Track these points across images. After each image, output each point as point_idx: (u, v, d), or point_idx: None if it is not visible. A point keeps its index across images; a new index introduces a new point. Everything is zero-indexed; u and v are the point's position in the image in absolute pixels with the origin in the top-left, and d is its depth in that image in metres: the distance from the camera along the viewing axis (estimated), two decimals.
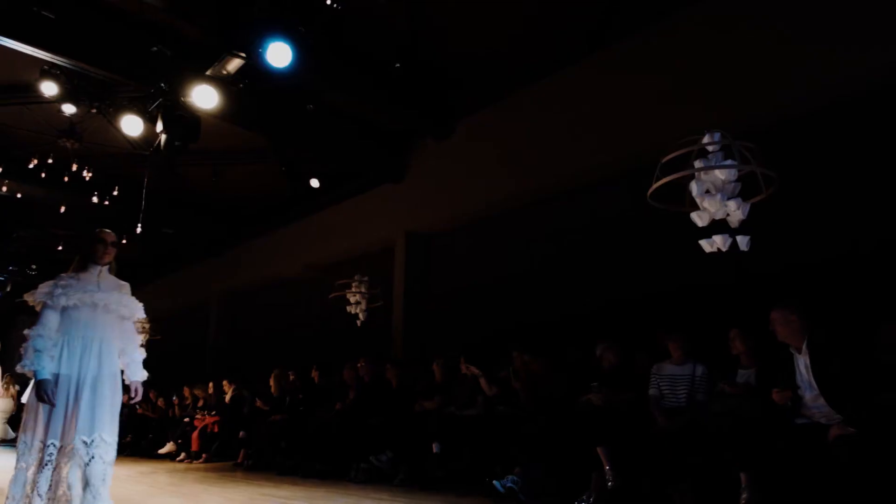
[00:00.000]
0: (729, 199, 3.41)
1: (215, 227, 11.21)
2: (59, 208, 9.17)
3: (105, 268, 3.29)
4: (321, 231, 9.63)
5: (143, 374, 3.35)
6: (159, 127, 6.17)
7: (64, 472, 2.90)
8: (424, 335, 7.85)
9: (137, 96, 6.48)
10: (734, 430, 3.56)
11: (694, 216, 3.55)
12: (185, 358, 12.15)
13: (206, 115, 6.29)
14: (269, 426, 7.36)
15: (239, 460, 7.64)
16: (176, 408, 10.06)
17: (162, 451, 9.01)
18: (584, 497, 4.10)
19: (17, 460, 2.96)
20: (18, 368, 2.99)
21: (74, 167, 7.67)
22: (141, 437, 10.00)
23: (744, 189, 3.53)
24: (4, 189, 8.66)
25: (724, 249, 3.49)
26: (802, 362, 3.64)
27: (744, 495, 3.41)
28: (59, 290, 3.05)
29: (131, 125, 6.54)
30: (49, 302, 3.05)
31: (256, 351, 10.63)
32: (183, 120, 6.17)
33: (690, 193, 3.55)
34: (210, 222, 11.08)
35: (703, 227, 3.58)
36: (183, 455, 8.58)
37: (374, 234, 8.66)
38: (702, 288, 5.10)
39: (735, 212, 3.40)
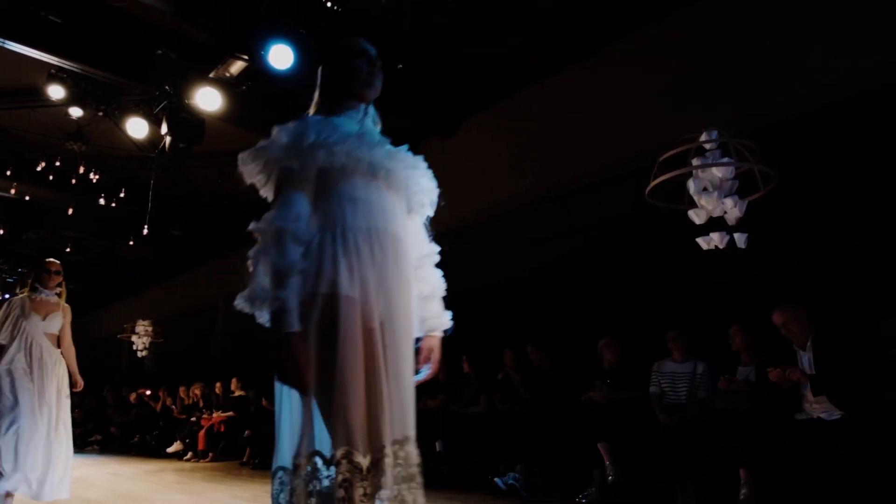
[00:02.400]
0: (726, 196, 3.42)
1: (221, 228, 11.27)
2: (68, 211, 9.26)
3: (370, 111, 1.88)
4: None
5: (448, 320, 1.85)
6: (164, 129, 6.23)
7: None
8: None
9: (143, 99, 6.53)
10: (737, 426, 3.57)
11: (691, 214, 3.57)
12: (193, 358, 12.25)
13: (211, 118, 6.34)
14: (274, 425, 7.40)
15: (244, 459, 7.69)
16: (174, 408, 10.21)
17: (170, 449, 9.09)
18: (586, 493, 4.13)
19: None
20: (240, 305, 1.58)
21: (82, 170, 7.75)
22: (149, 436, 10.11)
23: (742, 187, 3.55)
24: (13, 192, 8.75)
25: (721, 247, 3.51)
26: (806, 359, 3.65)
27: (743, 491, 3.42)
28: (313, 137, 1.60)
29: (137, 128, 6.61)
30: (294, 166, 1.57)
31: (262, 351, 10.69)
32: (187, 122, 6.22)
33: (688, 191, 3.57)
34: (216, 223, 11.15)
35: (701, 225, 3.60)
36: (190, 454, 8.66)
37: None
38: (704, 286, 5.10)
39: (732, 209, 3.42)
